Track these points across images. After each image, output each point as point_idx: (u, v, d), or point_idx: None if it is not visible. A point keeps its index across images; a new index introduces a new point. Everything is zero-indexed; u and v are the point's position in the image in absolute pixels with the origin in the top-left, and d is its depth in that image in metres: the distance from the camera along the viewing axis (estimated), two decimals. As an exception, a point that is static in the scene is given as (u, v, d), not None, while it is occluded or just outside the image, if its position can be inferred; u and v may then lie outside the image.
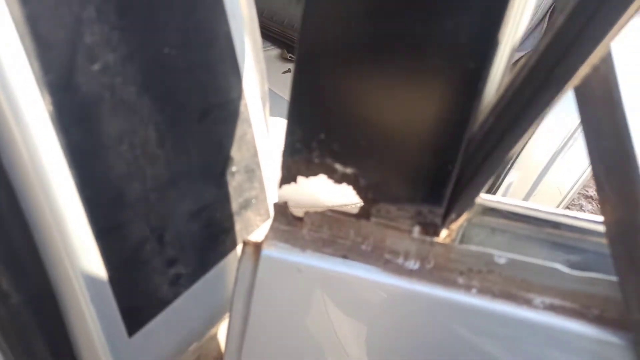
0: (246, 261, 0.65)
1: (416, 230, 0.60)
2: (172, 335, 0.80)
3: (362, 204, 0.61)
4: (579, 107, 0.51)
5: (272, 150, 0.92)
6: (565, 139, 1.73)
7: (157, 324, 0.76)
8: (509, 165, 1.74)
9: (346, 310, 0.64)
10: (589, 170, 1.73)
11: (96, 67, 0.61)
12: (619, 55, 0.48)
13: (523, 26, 0.52)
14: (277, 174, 0.64)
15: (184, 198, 0.77)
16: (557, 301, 0.56)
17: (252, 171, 0.88)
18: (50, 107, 0.57)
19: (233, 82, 0.81)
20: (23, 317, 0.63)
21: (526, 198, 1.82)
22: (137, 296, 0.73)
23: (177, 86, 0.73)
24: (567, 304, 0.56)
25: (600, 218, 0.54)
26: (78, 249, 0.63)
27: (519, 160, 1.72)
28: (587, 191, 2.65)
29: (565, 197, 1.86)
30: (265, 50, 2.14)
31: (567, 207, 2.09)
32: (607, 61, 0.48)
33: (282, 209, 0.65)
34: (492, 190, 1.73)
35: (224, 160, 0.83)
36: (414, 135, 0.56)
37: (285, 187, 0.63)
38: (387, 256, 0.61)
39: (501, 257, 0.58)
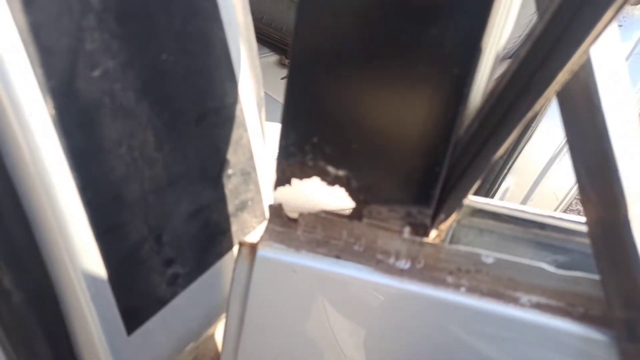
0: (242, 261, 0.66)
1: (406, 230, 0.61)
2: (170, 334, 0.80)
3: (354, 205, 0.62)
4: (562, 111, 0.52)
5: (268, 153, 0.92)
6: (562, 145, 1.74)
7: (155, 322, 0.76)
8: (505, 171, 1.74)
9: (340, 308, 0.65)
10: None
11: (96, 73, 0.62)
12: (598, 62, 0.49)
13: (506, 34, 0.53)
14: (272, 176, 0.64)
15: (182, 200, 0.77)
16: (543, 299, 0.57)
17: (248, 174, 0.89)
18: (53, 111, 0.58)
19: (229, 88, 0.81)
20: (24, 314, 0.63)
21: (523, 203, 1.81)
22: (136, 295, 0.73)
23: (175, 91, 0.73)
24: (552, 302, 0.57)
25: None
26: (79, 248, 0.63)
27: (515, 165, 1.71)
28: (584, 196, 2.64)
29: (561, 202, 1.86)
30: (264, 57, 2.15)
31: (564, 212, 2.09)
32: (586, 68, 0.49)
33: (277, 210, 0.65)
34: (488, 196, 1.73)
35: (221, 163, 0.83)
36: (403, 138, 0.57)
37: (280, 189, 0.64)
38: (379, 256, 0.62)
39: (489, 256, 0.59)
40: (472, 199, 0.69)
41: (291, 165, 0.62)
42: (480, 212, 0.69)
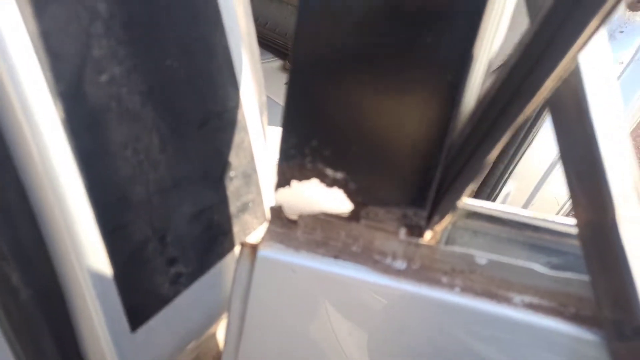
0: (243, 261, 0.67)
1: (402, 232, 0.61)
2: (173, 332, 0.81)
3: (352, 207, 0.63)
4: (552, 117, 0.52)
5: (269, 156, 0.93)
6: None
7: (158, 320, 0.76)
8: (506, 176, 1.75)
9: (338, 307, 0.65)
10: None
11: (104, 78, 0.63)
12: (587, 68, 0.50)
13: (498, 42, 0.55)
14: (273, 178, 0.65)
15: (185, 201, 0.78)
16: (535, 300, 0.58)
17: (249, 176, 0.89)
18: (62, 115, 0.59)
19: (231, 92, 0.82)
20: (31, 311, 0.64)
21: (524, 208, 1.81)
22: (140, 293, 0.73)
23: (178, 96, 0.74)
24: (544, 302, 0.58)
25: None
26: (85, 247, 0.64)
27: (516, 170, 1.70)
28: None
29: (562, 207, 1.86)
30: (267, 62, 2.15)
31: (565, 217, 2.08)
32: (575, 74, 0.50)
33: (277, 212, 0.66)
34: (490, 200, 1.73)
35: (223, 165, 0.83)
36: (399, 142, 0.58)
37: (280, 190, 0.65)
38: (376, 257, 0.63)
39: (482, 257, 0.59)
40: (468, 202, 0.70)
41: (291, 167, 0.63)
42: (476, 214, 0.70)
